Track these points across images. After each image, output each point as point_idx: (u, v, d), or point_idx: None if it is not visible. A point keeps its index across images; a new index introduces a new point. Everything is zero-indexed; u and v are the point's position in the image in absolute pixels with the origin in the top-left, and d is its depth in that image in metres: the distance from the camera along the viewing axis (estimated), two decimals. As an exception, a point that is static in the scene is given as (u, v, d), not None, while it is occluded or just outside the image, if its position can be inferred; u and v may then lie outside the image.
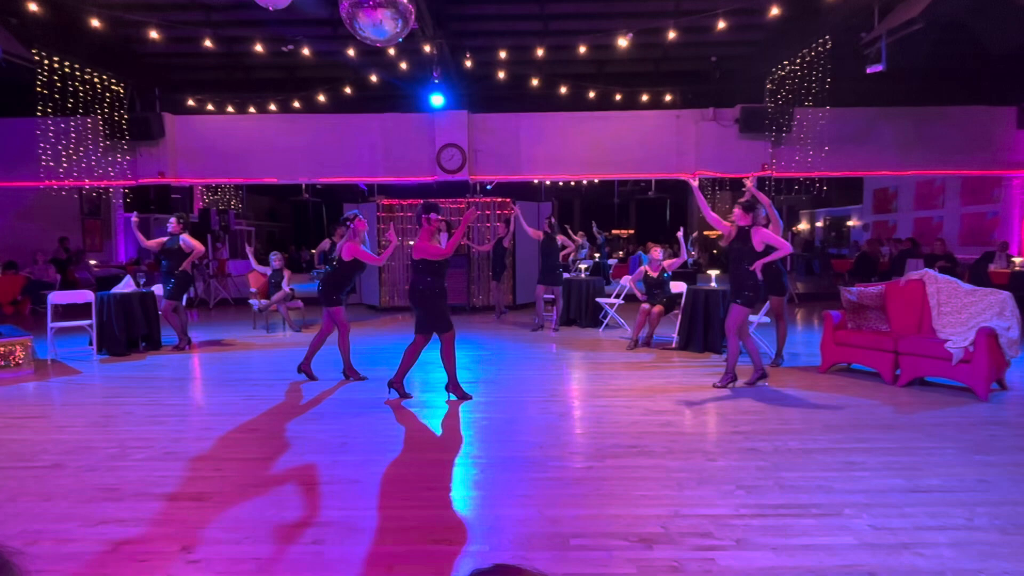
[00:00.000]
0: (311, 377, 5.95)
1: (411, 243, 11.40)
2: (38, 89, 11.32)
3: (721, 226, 5.71)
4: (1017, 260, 11.35)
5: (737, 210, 5.43)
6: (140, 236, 7.68)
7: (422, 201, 5.25)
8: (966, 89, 12.82)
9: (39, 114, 11.66)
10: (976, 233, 14.96)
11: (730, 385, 5.52)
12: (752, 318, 7.01)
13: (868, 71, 9.50)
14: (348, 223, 5.72)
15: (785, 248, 5.21)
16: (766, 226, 6.24)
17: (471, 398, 5.19)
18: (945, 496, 3.18)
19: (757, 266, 5.22)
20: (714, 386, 5.52)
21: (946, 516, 2.95)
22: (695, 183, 5.82)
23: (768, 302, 6.51)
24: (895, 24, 8.77)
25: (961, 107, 12.96)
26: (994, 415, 4.66)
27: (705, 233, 21.19)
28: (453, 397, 5.20)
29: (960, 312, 5.56)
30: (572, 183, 18.72)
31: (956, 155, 13.07)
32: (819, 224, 24.81)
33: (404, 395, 5.21)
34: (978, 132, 12.99)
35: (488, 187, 14.38)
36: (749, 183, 6.26)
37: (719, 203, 14.01)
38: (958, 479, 3.40)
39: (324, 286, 5.83)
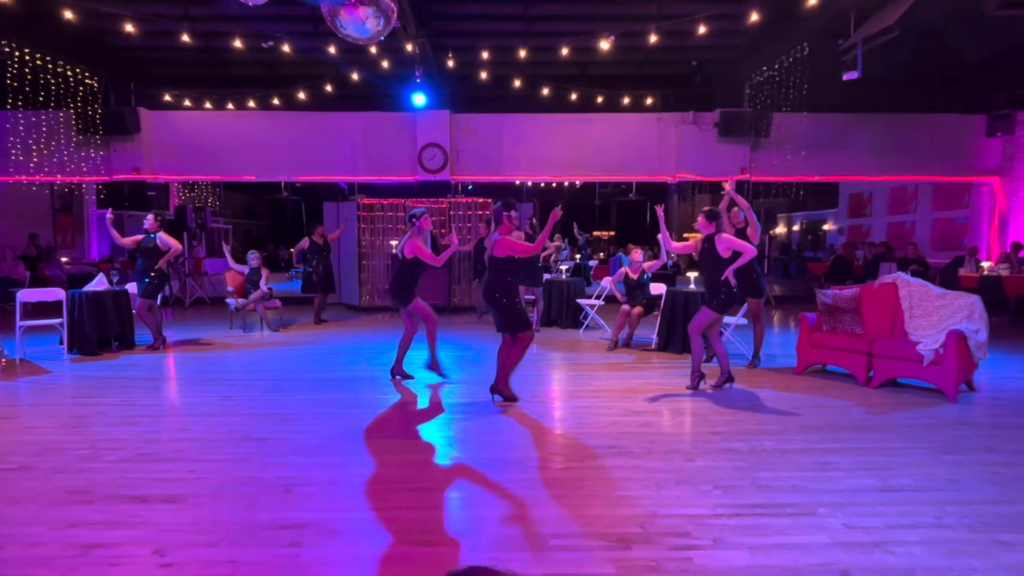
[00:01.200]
0: (406, 376, 5.94)
1: (393, 242, 11.35)
2: (8, 82, 11.05)
3: (686, 249, 5.83)
4: (986, 265, 11.64)
5: (700, 219, 5.53)
6: (115, 233, 7.53)
7: (500, 200, 5.19)
8: (939, 97, 13.14)
9: (9, 107, 11.38)
10: (947, 238, 15.32)
11: (701, 384, 5.58)
12: (730, 320, 7.10)
13: (844, 78, 9.67)
14: (414, 220, 5.62)
15: (749, 252, 5.28)
16: (744, 228, 6.35)
17: (518, 400, 5.10)
18: (916, 495, 3.24)
19: (728, 273, 5.29)
20: (687, 388, 5.57)
21: (917, 515, 3.01)
22: (661, 213, 5.91)
23: (746, 304, 6.59)
24: (871, 32, 8.94)
25: (934, 114, 13.29)
26: (963, 416, 4.77)
27: (685, 236, 21.37)
28: (499, 399, 5.09)
29: (931, 315, 5.69)
30: (554, 184, 18.79)
31: (929, 161, 13.40)
32: (796, 227, 25.20)
33: (511, 397, 5.09)
34: (950, 139, 13.33)
35: (469, 187, 14.36)
36: (728, 186, 6.34)
37: (698, 206, 14.13)
38: (928, 479, 3.48)
39: (395, 288, 5.71)
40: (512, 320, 4.99)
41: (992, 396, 5.39)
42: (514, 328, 5.01)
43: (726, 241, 5.34)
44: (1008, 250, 12.06)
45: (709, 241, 5.42)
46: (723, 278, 5.29)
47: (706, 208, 5.55)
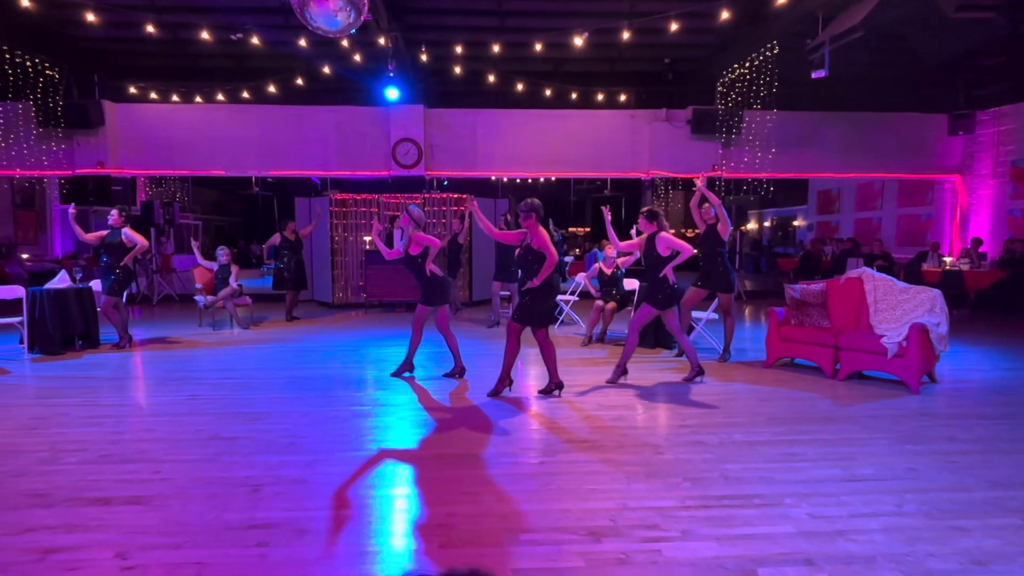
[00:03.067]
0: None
1: (367, 238, 11.24)
2: (-37, 71, 10.65)
3: (631, 247, 5.95)
4: (947, 260, 11.99)
5: (641, 219, 5.64)
6: (78, 229, 7.31)
7: (533, 200, 5.22)
8: (902, 96, 13.47)
9: (-36, 98, 10.97)
10: (911, 234, 15.73)
11: (620, 379, 5.66)
12: (701, 315, 7.20)
13: (812, 76, 9.84)
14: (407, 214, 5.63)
15: (686, 251, 5.42)
16: (716, 224, 6.43)
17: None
18: (878, 484, 3.33)
19: (667, 271, 5.41)
20: (607, 382, 5.65)
21: (878, 503, 3.09)
22: (607, 214, 5.95)
23: (717, 299, 6.68)
24: (837, 31, 9.11)
25: (898, 113, 13.62)
26: (924, 407, 4.91)
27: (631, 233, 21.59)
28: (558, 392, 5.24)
29: (895, 309, 5.84)
30: (529, 180, 18.78)
31: (893, 159, 13.73)
32: (766, 224, 25.63)
33: (559, 386, 5.18)
34: (913, 137, 13.68)
35: (444, 183, 14.29)
36: (700, 183, 6.41)
37: (672, 202, 14.29)
38: (889, 468, 3.57)
39: (432, 288, 5.70)
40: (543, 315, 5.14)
41: (953, 387, 5.56)
42: (539, 323, 5.11)
43: (665, 240, 5.45)
44: (968, 245, 12.45)
45: (650, 240, 5.53)
46: (661, 275, 5.40)
47: (645, 208, 5.65)
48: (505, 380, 5.19)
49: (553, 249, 4.96)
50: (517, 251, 5.24)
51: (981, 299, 11.00)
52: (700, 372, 5.68)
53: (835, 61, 9.38)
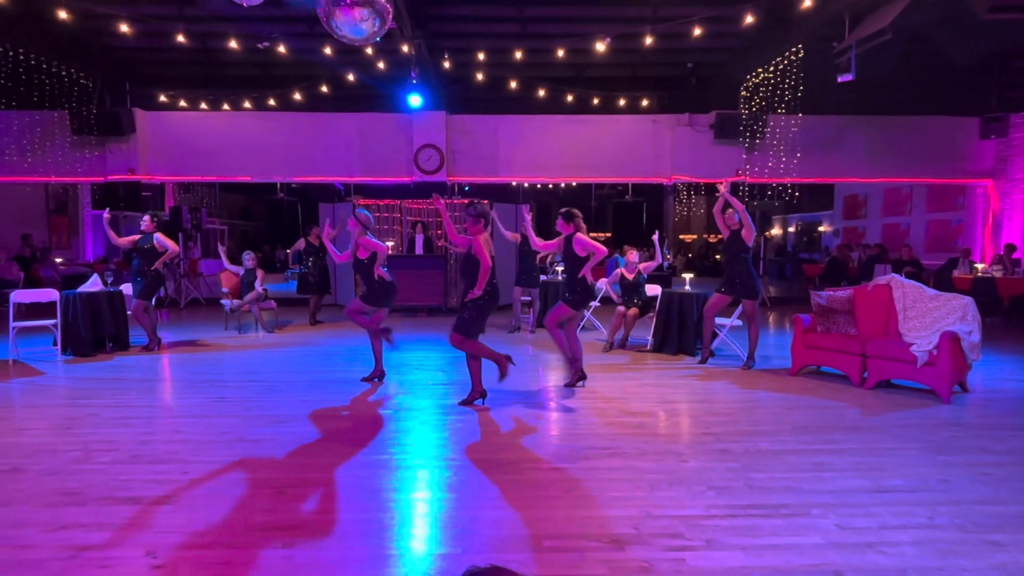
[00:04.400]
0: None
1: (389, 243, 11.33)
2: (2, 81, 11.00)
3: (549, 247, 6.00)
4: (979, 266, 11.70)
5: (559, 220, 5.66)
6: (111, 233, 7.49)
7: (566, 209, 5.54)
8: (932, 99, 13.20)
9: (3, 107, 11.32)
10: (941, 240, 15.40)
11: (578, 384, 5.65)
12: (725, 321, 7.12)
13: (839, 80, 9.70)
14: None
15: (600, 252, 5.49)
16: (739, 230, 6.36)
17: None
18: (908, 496, 3.25)
19: (585, 271, 5.47)
20: (564, 385, 5.67)
21: (909, 515, 3.02)
22: (529, 214, 6.07)
23: (741, 305, 6.60)
24: (865, 34, 8.97)
25: (927, 117, 13.34)
26: (956, 417, 4.79)
27: (680, 237, 21.44)
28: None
29: (925, 316, 5.72)
30: (550, 186, 18.81)
31: (923, 163, 13.46)
32: (791, 229, 25.27)
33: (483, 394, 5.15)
34: (943, 141, 13.39)
35: (466, 188, 14.36)
36: (723, 188, 6.35)
37: (694, 207, 14.18)
38: (920, 479, 3.49)
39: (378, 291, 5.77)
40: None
41: (985, 397, 5.42)
42: None
43: (580, 241, 5.50)
44: (1002, 252, 12.12)
45: (568, 240, 5.58)
46: (580, 275, 5.45)
47: (563, 210, 5.68)
48: (478, 389, 5.09)
49: (488, 255, 4.92)
50: (460, 257, 5.31)
51: (1015, 307, 10.70)
52: (582, 377, 5.70)
53: (862, 64, 9.24)
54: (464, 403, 5.02)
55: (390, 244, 11.37)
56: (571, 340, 5.68)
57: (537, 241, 6.00)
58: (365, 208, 5.80)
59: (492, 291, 5.01)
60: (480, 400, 5.05)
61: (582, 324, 9.21)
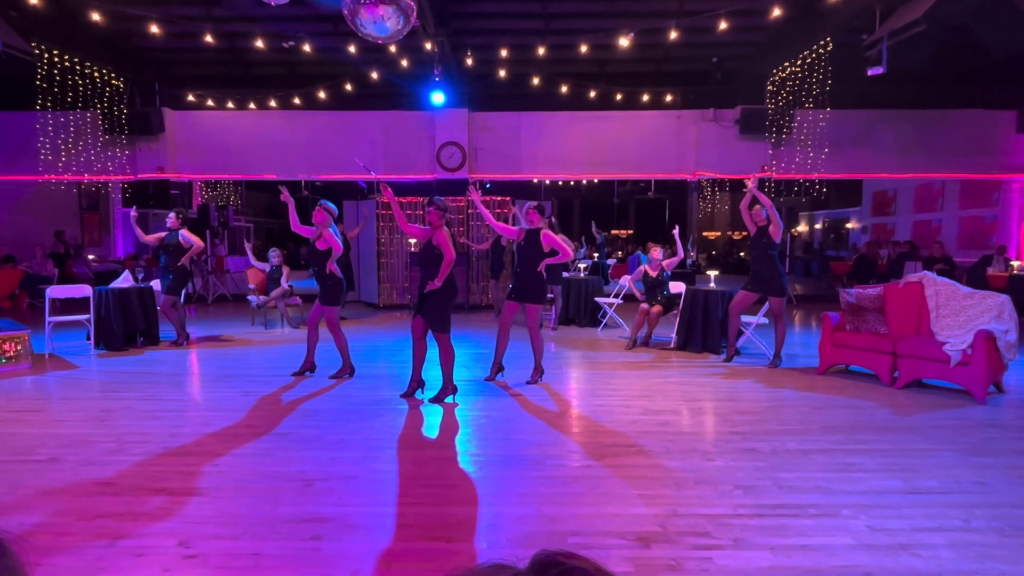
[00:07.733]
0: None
1: (412, 240, 11.40)
2: (37, 83, 11.28)
3: (509, 232, 5.95)
4: (1015, 264, 11.37)
5: (534, 214, 5.63)
6: (139, 231, 7.65)
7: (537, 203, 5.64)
8: (966, 92, 12.84)
9: (38, 108, 11.62)
10: (975, 236, 14.97)
11: (538, 381, 5.64)
12: (751, 319, 7.03)
13: (869, 73, 9.49)
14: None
15: (566, 253, 5.54)
16: (767, 227, 6.27)
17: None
18: (943, 497, 3.18)
19: (542, 266, 5.47)
20: (484, 379, 5.70)
21: (943, 518, 2.95)
22: (477, 198, 5.92)
23: (768, 303, 6.51)
24: (897, 26, 8.76)
25: (961, 110, 12.98)
26: (991, 418, 4.66)
27: (705, 234, 21.21)
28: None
29: (958, 315, 5.57)
30: (572, 183, 18.70)
31: (956, 158, 13.10)
32: (818, 226, 24.80)
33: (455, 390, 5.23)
34: (978, 135, 13.01)
35: (487, 185, 14.37)
36: (751, 184, 6.26)
37: (719, 204, 14.01)
38: (955, 481, 3.40)
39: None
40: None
41: (1022, 398, 5.26)
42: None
43: (550, 237, 5.51)
44: (1039, 249, 11.77)
45: (534, 233, 5.57)
46: (539, 269, 5.48)
47: (535, 203, 5.68)
48: (416, 382, 5.17)
49: (451, 248, 4.97)
50: (420, 248, 5.30)
51: (1053, 305, 10.37)
52: (500, 369, 5.72)
53: (893, 57, 9.03)
54: (434, 399, 5.03)
55: (412, 241, 11.43)
56: (505, 336, 5.72)
57: (496, 223, 5.91)
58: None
59: (452, 282, 5.08)
60: (451, 398, 5.07)
61: (604, 322, 9.16)
